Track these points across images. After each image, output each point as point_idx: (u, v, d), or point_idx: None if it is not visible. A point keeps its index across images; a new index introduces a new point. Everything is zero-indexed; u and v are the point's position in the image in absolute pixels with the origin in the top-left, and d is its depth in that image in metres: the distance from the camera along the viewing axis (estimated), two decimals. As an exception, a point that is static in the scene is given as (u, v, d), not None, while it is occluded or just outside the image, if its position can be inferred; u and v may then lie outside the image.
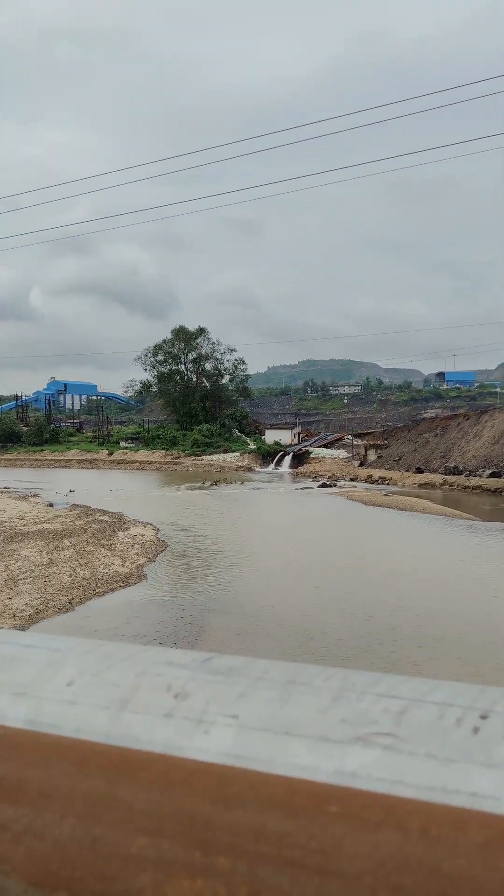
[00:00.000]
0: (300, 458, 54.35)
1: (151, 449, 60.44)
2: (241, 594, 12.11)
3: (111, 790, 0.33)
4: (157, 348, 72.42)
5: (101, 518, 21.89)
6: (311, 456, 53.79)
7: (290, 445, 59.67)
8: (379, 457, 47.00)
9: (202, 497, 31.61)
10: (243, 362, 72.82)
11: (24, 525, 19.73)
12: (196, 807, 0.31)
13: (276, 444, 59.55)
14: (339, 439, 60.05)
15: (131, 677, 0.40)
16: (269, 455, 57.00)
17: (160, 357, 72.56)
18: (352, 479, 41.19)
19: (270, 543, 17.68)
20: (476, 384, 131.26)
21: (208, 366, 73.89)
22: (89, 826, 0.32)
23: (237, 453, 57.47)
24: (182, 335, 72.00)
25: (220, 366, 72.80)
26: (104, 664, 0.42)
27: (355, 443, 53.31)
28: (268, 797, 0.31)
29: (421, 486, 36.26)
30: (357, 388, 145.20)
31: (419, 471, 40.07)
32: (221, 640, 9.46)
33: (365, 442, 52.86)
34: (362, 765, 0.33)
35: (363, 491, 33.57)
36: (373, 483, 38.93)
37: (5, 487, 34.41)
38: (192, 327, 73.30)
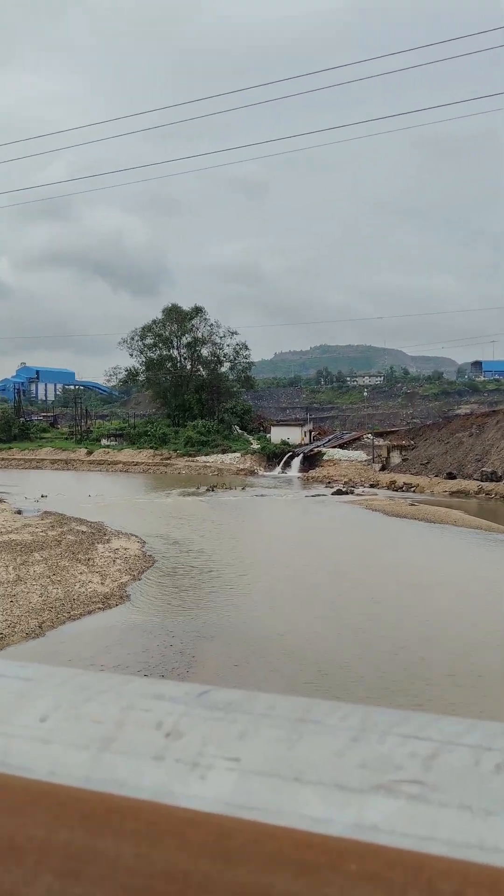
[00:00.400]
0: (311, 461, 54.35)
1: (138, 448, 60.49)
2: (241, 619, 12.09)
3: (92, 842, 0.33)
4: (146, 330, 72.52)
5: (78, 528, 21.84)
6: (325, 458, 53.80)
7: (300, 445, 59.71)
8: (404, 459, 46.91)
9: (196, 505, 31.61)
10: (246, 347, 72.91)
11: (-12, 535, 19.68)
12: (190, 863, 0.31)
13: (284, 443, 59.58)
14: (358, 439, 60.02)
15: (115, 712, 0.40)
16: (275, 456, 57.06)
17: (149, 340, 72.72)
18: (372, 486, 41.12)
19: (276, 560, 17.68)
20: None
21: (205, 351, 74.07)
22: (67, 884, 0.32)
23: (238, 454, 57.52)
24: (175, 315, 72.07)
25: (218, 351, 72.97)
26: (83, 696, 0.42)
27: (376, 443, 53.27)
28: (275, 853, 0.31)
29: (453, 494, 36.20)
30: (379, 378, 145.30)
31: (451, 476, 39.98)
32: (217, 672, 9.43)
33: (387, 442, 52.78)
34: (385, 817, 0.32)
35: (385, 499, 33.49)
36: (396, 490, 38.86)
37: (-34, 491, 34.46)
38: (186, 306, 73.49)
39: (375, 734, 0.35)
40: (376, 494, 36.53)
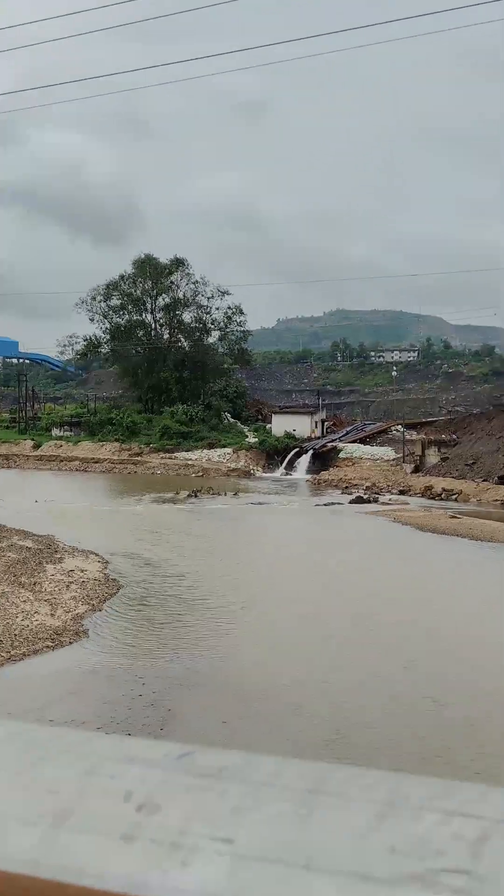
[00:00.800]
0: (324, 459, 54.42)
1: (99, 440, 60.51)
2: (232, 662, 12.14)
3: None
4: (111, 288, 72.46)
5: (21, 544, 21.79)
6: (341, 456, 53.90)
7: (310, 439, 59.82)
8: (443, 459, 46.96)
9: (175, 514, 31.67)
10: (241, 312, 72.82)
11: None
12: None
13: (289, 436, 59.67)
14: (384, 431, 60.16)
15: (73, 778, 0.40)
16: (276, 453, 57.12)
17: (115, 302, 72.75)
18: (401, 492, 41.17)
19: (279, 590, 17.73)
20: None
21: (188, 316, 74.03)
22: None
23: (229, 449, 57.62)
24: (149, 269, 71.99)
25: (205, 317, 72.96)
26: (33, 757, 0.42)
27: (408, 436, 53.38)
28: None
29: (507, 503, 36.31)
30: (412, 353, 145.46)
31: (504, 481, 40.01)
32: (201, 731, 9.49)
33: (422, 436, 52.86)
34: None
35: (419, 510, 33.55)
36: (433, 498, 38.93)
37: None
38: (163, 258, 73.48)
39: (408, 810, 0.35)
40: (407, 503, 36.57)
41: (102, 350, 75.46)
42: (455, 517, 30.05)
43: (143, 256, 72.73)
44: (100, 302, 72.45)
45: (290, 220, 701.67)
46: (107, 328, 73.05)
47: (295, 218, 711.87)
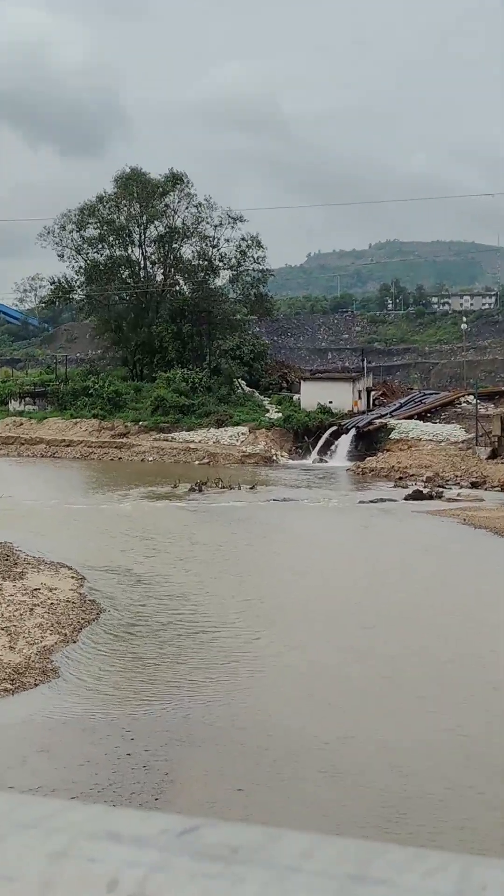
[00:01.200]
0: (370, 441, 54.20)
1: (72, 416, 60.65)
2: (249, 713, 12.20)
3: None
4: (87, 214, 72.41)
5: (-29, 552, 21.88)
6: (393, 436, 53.72)
7: (351, 414, 59.62)
8: (530, 440, 46.70)
9: (173, 515, 31.70)
10: (259, 244, 72.57)
11: None
12: None
13: (323, 410, 59.51)
14: (451, 403, 59.81)
15: (40, 862, 0.40)
16: (307, 433, 56.94)
17: (92, 231, 72.76)
18: (474, 484, 41.02)
19: (309, 614, 17.77)
20: None
21: (188, 251, 73.78)
22: None
23: (244, 428, 57.59)
24: (137, 188, 71.84)
25: (211, 251, 72.68)
26: None
27: (483, 410, 53.05)
28: None
29: None
30: (488, 299, 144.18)
31: None
32: (208, 801, 9.55)
33: (502, 409, 52.38)
34: None
35: (498, 508, 33.39)
36: (517, 493, 38.76)
37: None
38: (155, 173, 73.32)
39: None
40: (482, 500, 36.42)
41: (75, 296, 75.53)
42: (546, 518, 29.91)
43: (128, 171, 72.41)
44: (71, 232, 72.50)
45: (322, 120, 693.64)
46: (81, 267, 73.05)
47: (329, 118, 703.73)
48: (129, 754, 10.68)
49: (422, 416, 57.51)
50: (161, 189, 71.95)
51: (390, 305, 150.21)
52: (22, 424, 60.53)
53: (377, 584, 20.67)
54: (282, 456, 54.65)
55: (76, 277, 73.49)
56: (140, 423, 59.59)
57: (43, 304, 78.31)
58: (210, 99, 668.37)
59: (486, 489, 40.03)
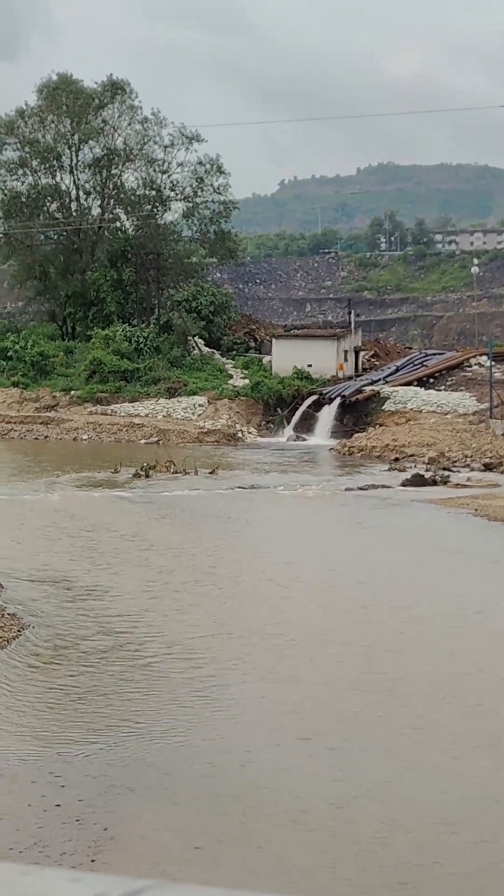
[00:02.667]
0: (359, 413, 54.37)
1: (-13, 385, 60.41)
2: (208, 753, 12.23)
3: None
4: (4, 131, 71.96)
5: None
6: (388, 407, 53.91)
7: (336, 380, 59.67)
8: None
9: (112, 506, 31.80)
10: (220, 170, 72.50)
11: None
12: None
13: (300, 375, 59.55)
14: (458, 366, 60.03)
15: None
16: (280, 404, 56.96)
17: (9, 154, 72.47)
18: (487, 466, 41.21)
19: (283, 632, 17.91)
20: None
21: (131, 178, 73.40)
22: None
23: (202, 398, 57.57)
24: (66, 99, 71.41)
25: (161, 178, 72.50)
26: None
27: (499, 374, 53.25)
28: None
29: None
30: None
31: None
32: (158, 861, 9.60)
33: (522, 373, 52.67)
34: None
35: (517, 496, 33.57)
36: (540, 476, 38.99)
37: None
38: (89, 80, 72.83)
39: None
40: (497, 485, 36.58)
41: (-11, 234, 75.03)
42: None
43: (55, 79, 72.08)
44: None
45: (292, 13, 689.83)
46: (-4, 198, 72.74)
47: (300, 9, 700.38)
48: (58, 805, 10.65)
49: (423, 383, 57.69)
50: (97, 101, 71.55)
51: (384, 245, 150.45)
52: None
53: (372, 596, 20.70)
54: (249, 433, 54.63)
55: (-10, 211, 73.08)
56: (72, 392, 59.39)
57: None
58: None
59: (502, 472, 40.19)
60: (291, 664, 15.91)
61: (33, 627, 17.51)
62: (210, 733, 12.89)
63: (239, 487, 36.36)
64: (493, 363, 54.14)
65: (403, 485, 36.55)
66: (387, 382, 57.77)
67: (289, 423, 55.35)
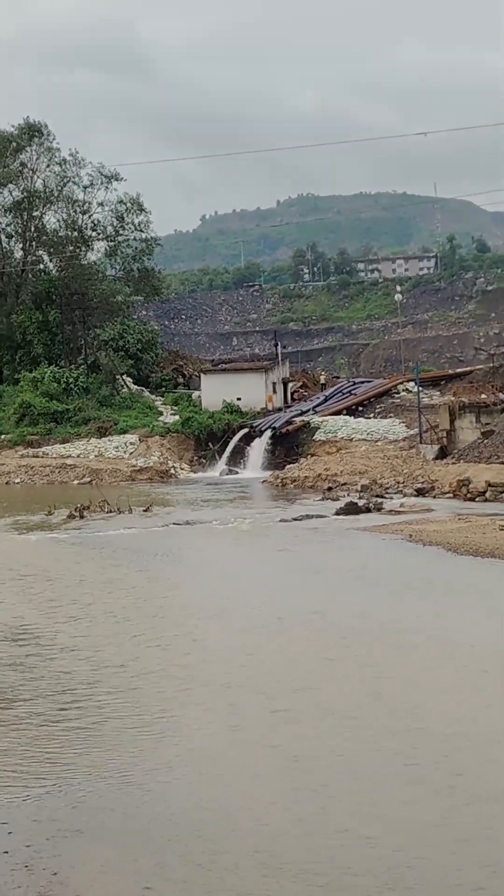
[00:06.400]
0: (291, 444, 54.71)
1: None
2: (160, 791, 12.17)
3: None
4: None
5: None
6: (319, 437, 54.29)
7: (266, 412, 59.98)
8: (485, 433, 47.51)
9: (47, 549, 31.72)
10: (141, 207, 72.76)
11: None
12: None
13: (230, 409, 59.87)
14: (387, 393, 60.63)
15: None
16: (212, 438, 57.11)
17: None
18: (419, 491, 41.58)
19: (225, 669, 17.88)
20: None
21: (53, 219, 73.63)
22: None
23: (133, 436, 57.64)
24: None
25: (82, 219, 72.59)
26: None
27: (426, 400, 53.76)
28: None
29: None
30: (426, 263, 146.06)
31: None
32: None
33: (450, 397, 53.21)
34: None
35: (449, 518, 33.85)
36: (472, 498, 39.35)
37: None
38: (3, 122, 72.69)
39: None
40: (431, 509, 36.91)
41: None
42: (509, 528, 30.40)
43: (-31, 120, 71.94)
44: None
45: (191, 54, 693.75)
46: None
47: (201, 48, 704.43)
48: (5, 852, 10.52)
49: (352, 411, 58.24)
50: (14, 144, 71.48)
51: (307, 276, 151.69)
52: None
53: (314, 629, 20.69)
54: (182, 468, 54.88)
55: None
56: (2, 436, 59.29)
57: None
58: (45, 30, 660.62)
59: (434, 496, 40.62)
60: (231, 694, 15.91)
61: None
62: (168, 768, 12.85)
63: (174, 524, 36.37)
64: (420, 388, 54.78)
65: (337, 513, 36.83)
66: (316, 412, 58.25)
67: (221, 457, 55.63)
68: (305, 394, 65.60)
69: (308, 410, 59.12)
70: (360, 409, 58.63)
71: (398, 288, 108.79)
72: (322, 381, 69.95)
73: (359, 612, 21.54)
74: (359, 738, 13.71)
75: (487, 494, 39.49)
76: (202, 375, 65.95)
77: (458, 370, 66.50)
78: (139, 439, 57.35)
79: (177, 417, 60.01)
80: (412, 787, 12.05)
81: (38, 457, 56.10)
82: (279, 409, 61.04)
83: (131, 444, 57.05)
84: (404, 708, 14.98)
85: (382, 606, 22.31)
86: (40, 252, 73.53)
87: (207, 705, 15.47)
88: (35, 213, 72.73)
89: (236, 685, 16.51)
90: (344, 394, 62.42)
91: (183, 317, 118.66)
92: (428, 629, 19.93)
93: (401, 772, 12.55)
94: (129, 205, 72.49)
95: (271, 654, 18.48)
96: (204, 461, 56.10)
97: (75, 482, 50.42)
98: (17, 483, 51.72)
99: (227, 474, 53.45)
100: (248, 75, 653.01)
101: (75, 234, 72.51)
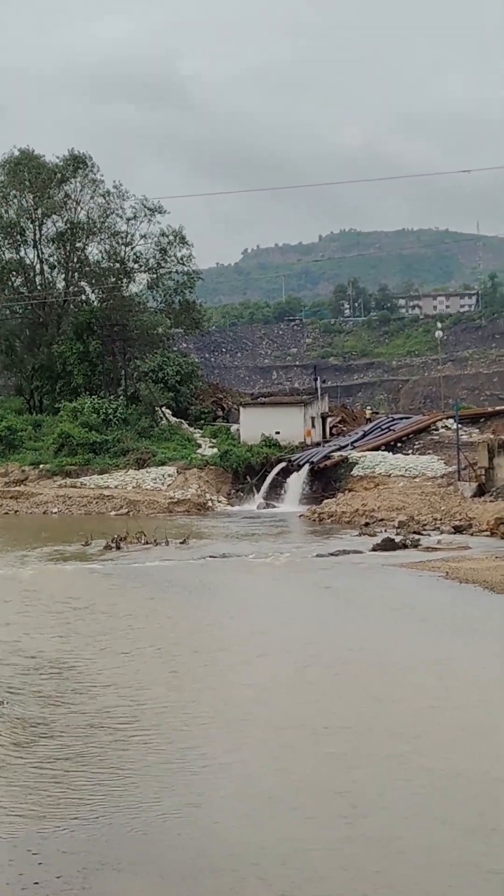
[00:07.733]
0: (328, 479, 54.67)
1: (-46, 460, 60.26)
2: (198, 825, 12.15)
3: None
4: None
5: None
6: (357, 472, 54.12)
7: (304, 447, 59.94)
8: (524, 472, 47.27)
9: (83, 580, 31.69)
10: (183, 240, 72.91)
11: None
12: None
13: (269, 443, 59.83)
14: (425, 429, 60.38)
15: None
16: (250, 472, 57.07)
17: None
18: (457, 528, 41.32)
19: (276, 703, 17.88)
20: None
21: (95, 250, 73.96)
22: None
23: (171, 468, 57.61)
24: (28, 174, 71.69)
25: (124, 250, 72.87)
26: None
27: (465, 437, 53.53)
28: None
29: None
30: (468, 299, 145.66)
31: None
32: None
33: (489, 435, 52.99)
34: None
35: (487, 557, 33.65)
36: (511, 537, 39.11)
37: None
38: (50, 154, 73.45)
39: None
40: (468, 547, 36.69)
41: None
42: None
43: (16, 154, 72.37)
44: None
45: (235, 86, 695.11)
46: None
47: (241, 82, 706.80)
48: (36, 883, 10.48)
49: (391, 447, 58.00)
50: (59, 175, 71.81)
51: (348, 311, 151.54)
52: None
53: (340, 663, 20.63)
54: (219, 501, 54.76)
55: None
56: (41, 466, 59.36)
57: None
58: (89, 63, 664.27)
59: (472, 534, 40.33)
60: (271, 733, 15.83)
61: (4, 703, 17.35)
62: (194, 809, 12.77)
63: (210, 557, 36.30)
64: (459, 426, 54.49)
65: (374, 549, 36.66)
66: (355, 448, 58.07)
67: (258, 490, 55.51)
68: (344, 429, 65.45)
69: (346, 445, 58.98)
70: (399, 444, 58.44)
71: (439, 325, 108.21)
72: (368, 415, 69.87)
73: (407, 653, 21.44)
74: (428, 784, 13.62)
75: (526, 533, 39.27)
76: (241, 409, 65.96)
77: (498, 408, 66.08)
78: (177, 471, 57.32)
79: (215, 450, 59.95)
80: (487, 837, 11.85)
81: (75, 487, 56.18)
82: (318, 444, 60.92)
83: (169, 476, 57.02)
84: (468, 751, 14.89)
85: (427, 645, 22.17)
86: (82, 283, 73.83)
87: (252, 745, 15.40)
88: (78, 245, 73.03)
89: (288, 727, 16.37)
90: (383, 429, 62.22)
91: (223, 350, 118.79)
92: (478, 671, 19.81)
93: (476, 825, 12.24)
94: (171, 238, 72.57)
95: (322, 694, 18.41)
96: (241, 494, 55.99)
97: (112, 513, 50.43)
98: (55, 513, 51.79)
99: (264, 508, 53.33)
100: (290, 110, 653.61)
101: (117, 265, 72.59)
